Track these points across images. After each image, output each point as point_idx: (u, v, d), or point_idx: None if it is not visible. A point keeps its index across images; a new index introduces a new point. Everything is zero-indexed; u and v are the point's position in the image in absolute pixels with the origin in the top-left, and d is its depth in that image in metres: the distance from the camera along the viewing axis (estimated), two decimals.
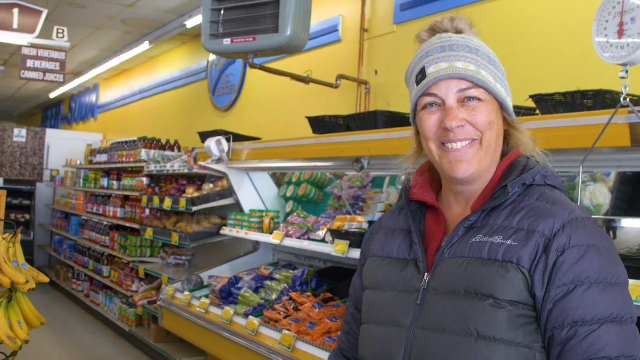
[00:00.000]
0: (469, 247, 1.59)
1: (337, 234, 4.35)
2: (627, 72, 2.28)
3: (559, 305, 1.47)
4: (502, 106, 1.68)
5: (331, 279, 5.02)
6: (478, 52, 1.66)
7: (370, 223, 4.84)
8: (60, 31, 8.78)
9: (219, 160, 5.70)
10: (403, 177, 4.77)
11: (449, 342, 1.53)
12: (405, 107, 4.54)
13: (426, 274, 1.65)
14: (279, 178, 6.33)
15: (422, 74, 1.66)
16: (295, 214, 5.36)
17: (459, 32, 1.73)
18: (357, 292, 1.94)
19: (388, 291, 1.72)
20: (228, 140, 5.56)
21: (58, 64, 9.12)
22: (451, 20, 1.74)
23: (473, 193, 1.70)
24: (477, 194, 1.69)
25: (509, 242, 1.54)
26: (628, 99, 2.31)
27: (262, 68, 5.32)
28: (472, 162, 1.63)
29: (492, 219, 1.61)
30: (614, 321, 1.44)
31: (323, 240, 4.76)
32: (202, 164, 5.88)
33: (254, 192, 6.16)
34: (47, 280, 2.98)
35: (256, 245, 6.11)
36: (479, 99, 1.63)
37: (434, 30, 1.75)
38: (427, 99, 1.66)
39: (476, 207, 1.66)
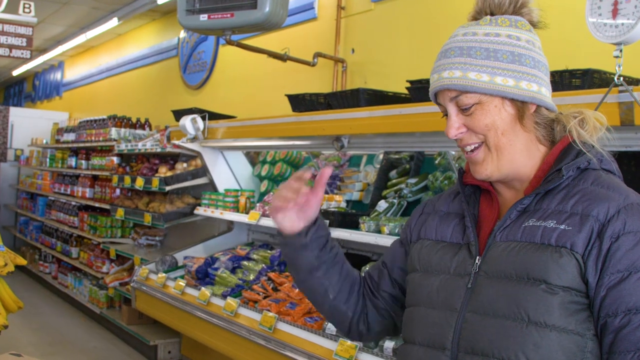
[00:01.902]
0: (522, 230, 1.56)
1: None
2: (621, 51, 2.26)
3: (613, 292, 1.43)
4: (513, 100, 1.60)
5: None
6: (471, 50, 1.60)
7: (348, 202, 4.82)
8: (27, 6, 8.57)
9: (194, 139, 5.61)
10: (381, 156, 4.76)
11: (499, 326, 1.50)
12: (382, 85, 4.51)
13: (478, 257, 1.62)
14: (253, 157, 6.26)
15: None
16: (271, 193, 5.31)
17: (498, 13, 1.66)
18: (392, 260, 1.91)
19: (439, 274, 1.69)
20: (203, 118, 5.47)
21: (25, 39, 8.90)
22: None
23: (515, 182, 1.67)
24: (529, 179, 1.65)
25: (562, 227, 1.50)
26: (621, 78, 2.29)
27: (239, 45, 5.23)
28: (485, 165, 1.62)
29: (545, 203, 1.58)
30: None
31: None
32: (176, 142, 5.79)
33: (228, 171, 6.08)
34: (24, 262, 2.89)
35: (230, 225, 6.04)
36: (473, 104, 1.60)
37: (478, 14, 1.70)
38: (440, 108, 1.69)
39: (529, 191, 1.62)
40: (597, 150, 1.61)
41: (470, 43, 1.61)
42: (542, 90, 1.61)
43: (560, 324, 1.45)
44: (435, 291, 1.67)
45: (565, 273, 1.46)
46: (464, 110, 1.61)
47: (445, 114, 1.67)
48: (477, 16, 1.69)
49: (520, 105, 1.60)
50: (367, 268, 3.68)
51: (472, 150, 1.63)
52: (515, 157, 1.63)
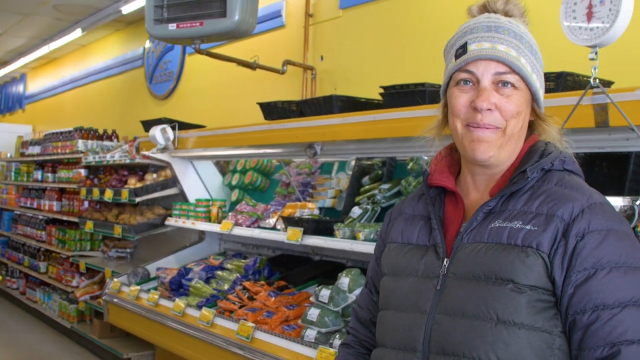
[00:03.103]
0: (488, 232, 1.59)
1: (290, 221, 4.30)
2: (596, 53, 2.29)
3: (580, 290, 1.47)
4: (533, 97, 1.67)
5: (283, 267, 4.96)
6: (522, 39, 1.64)
7: (321, 209, 4.82)
8: None
9: (164, 149, 5.57)
10: (352, 163, 4.77)
11: (469, 326, 1.52)
12: (352, 92, 4.52)
13: (445, 259, 1.65)
14: (223, 166, 6.23)
15: (463, 49, 1.64)
16: (243, 202, 5.28)
17: (508, 15, 1.70)
18: (374, 279, 1.93)
19: (408, 277, 1.71)
20: (173, 128, 5.43)
21: None
22: (505, 2, 1.71)
23: (491, 177, 1.70)
24: (496, 179, 1.69)
25: (528, 227, 1.54)
26: (597, 81, 2.33)
27: (209, 54, 5.21)
28: (492, 146, 1.63)
29: (511, 204, 1.62)
30: (635, 304, 1.44)
31: (274, 228, 4.70)
32: (145, 153, 5.75)
33: (199, 181, 6.05)
34: None
35: (201, 235, 6.00)
36: (514, 86, 1.62)
37: (485, 8, 1.72)
38: (463, 75, 1.64)
39: (495, 192, 1.66)
40: (559, 150, 1.66)
41: (519, 30, 1.65)
42: (541, 90, 1.69)
43: (529, 322, 1.49)
44: (404, 294, 1.69)
45: (532, 272, 1.50)
46: (503, 88, 1.61)
47: (467, 82, 1.64)
48: (476, 12, 1.73)
49: (534, 105, 1.68)
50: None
51: (487, 128, 1.61)
52: (513, 150, 1.68)
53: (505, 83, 1.61)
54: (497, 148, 1.63)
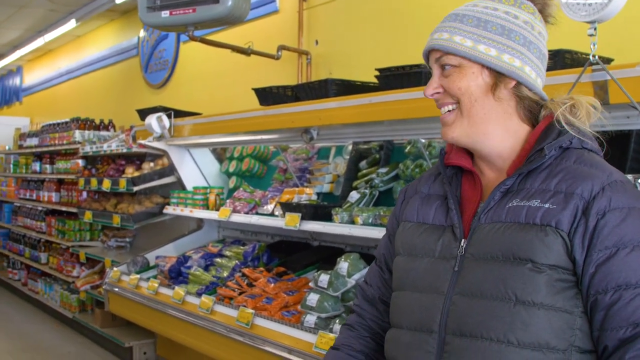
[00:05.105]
0: (506, 211, 1.57)
1: (288, 207, 4.29)
2: (595, 29, 2.26)
3: (602, 269, 1.44)
4: (497, 72, 1.61)
5: (281, 253, 4.96)
6: (464, 18, 1.63)
7: (319, 195, 4.81)
8: None
9: (160, 138, 5.56)
10: (350, 147, 4.76)
11: (487, 307, 1.50)
12: (348, 75, 4.50)
13: (463, 240, 1.63)
14: (220, 154, 6.22)
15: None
16: (241, 189, 5.27)
17: None
18: (386, 255, 1.91)
19: (424, 258, 1.69)
20: (169, 116, 5.42)
21: None
22: None
23: (496, 159, 1.68)
24: (511, 159, 1.66)
25: (546, 206, 1.51)
26: (597, 57, 2.30)
27: (202, 40, 5.18)
28: (453, 128, 1.66)
29: (528, 183, 1.59)
30: None
31: (272, 214, 4.70)
32: (142, 142, 5.73)
33: (196, 168, 6.04)
34: None
35: (200, 223, 6.00)
36: (453, 65, 1.62)
37: None
38: (431, 71, 1.72)
39: (512, 171, 1.63)
40: (578, 128, 1.61)
41: (466, 11, 1.65)
42: (525, 69, 1.62)
43: (548, 302, 1.46)
44: (420, 275, 1.67)
45: (551, 251, 1.47)
46: (444, 71, 1.64)
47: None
48: None
49: (498, 77, 1.62)
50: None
51: (446, 112, 1.66)
52: (489, 129, 1.64)
53: (445, 66, 1.64)
54: (460, 128, 1.65)
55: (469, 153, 1.75)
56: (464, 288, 1.56)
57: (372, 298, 1.93)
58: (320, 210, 4.11)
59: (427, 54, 1.71)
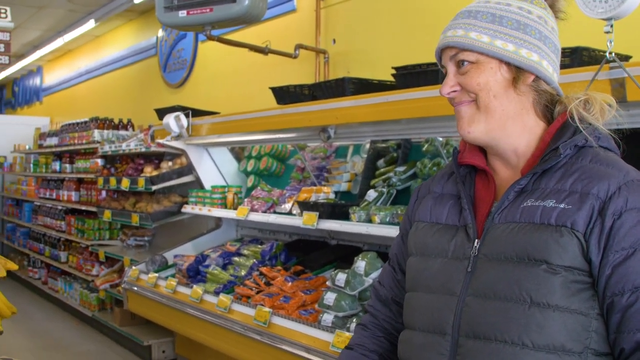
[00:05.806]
0: (520, 211, 1.53)
1: (305, 206, 4.29)
2: (611, 26, 2.23)
3: (619, 270, 1.41)
4: (516, 67, 1.59)
5: (299, 252, 4.96)
6: (478, 14, 1.61)
7: (336, 193, 4.80)
8: (3, 11, 8.47)
9: (178, 137, 5.57)
10: (367, 146, 4.75)
11: (501, 308, 1.47)
12: (366, 74, 4.50)
13: (476, 240, 1.59)
14: (238, 153, 6.23)
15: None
16: (259, 187, 5.28)
17: None
18: (399, 256, 1.89)
19: (437, 258, 1.66)
20: (187, 115, 5.43)
21: (2, 45, 8.79)
22: None
23: (511, 157, 1.65)
24: (526, 157, 1.63)
25: (562, 206, 1.48)
26: (613, 54, 2.27)
27: (220, 40, 5.19)
28: (470, 122, 1.61)
29: (543, 183, 1.55)
30: None
31: (290, 213, 4.70)
32: (160, 141, 5.75)
33: (214, 168, 6.05)
34: (16, 267, 2.84)
35: (218, 221, 6.01)
36: (470, 62, 1.59)
37: None
38: (443, 70, 1.69)
39: (526, 171, 1.60)
40: (594, 127, 1.58)
41: (479, 8, 1.62)
42: (542, 63, 1.59)
43: (563, 304, 1.43)
44: (433, 276, 1.65)
45: (567, 252, 1.44)
46: (460, 68, 1.61)
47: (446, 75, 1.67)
48: None
49: (516, 72, 1.59)
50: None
51: (462, 102, 1.62)
52: (508, 124, 1.61)
53: (461, 62, 1.61)
54: (478, 124, 1.60)
55: (483, 152, 1.72)
56: (477, 289, 1.53)
57: (385, 299, 1.91)
58: (337, 209, 4.11)
59: (440, 53, 1.68)
